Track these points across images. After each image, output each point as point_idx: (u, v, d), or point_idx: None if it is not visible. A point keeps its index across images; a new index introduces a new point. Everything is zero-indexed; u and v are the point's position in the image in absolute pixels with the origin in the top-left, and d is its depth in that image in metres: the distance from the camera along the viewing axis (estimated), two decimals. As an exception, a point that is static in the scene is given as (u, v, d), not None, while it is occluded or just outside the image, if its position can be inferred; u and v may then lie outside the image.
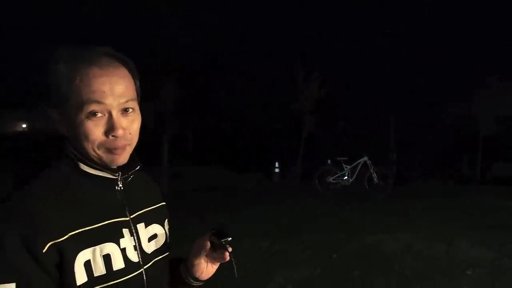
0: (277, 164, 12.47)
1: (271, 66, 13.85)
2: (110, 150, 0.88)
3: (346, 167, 10.30)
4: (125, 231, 0.91)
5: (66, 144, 0.89)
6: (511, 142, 15.09)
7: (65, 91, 0.84)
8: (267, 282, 4.04)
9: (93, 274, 0.83)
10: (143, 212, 0.98)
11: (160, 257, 1.00)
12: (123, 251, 0.89)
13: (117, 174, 0.92)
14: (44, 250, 0.78)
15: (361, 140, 15.76)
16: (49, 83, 0.86)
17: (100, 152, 0.87)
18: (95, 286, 0.84)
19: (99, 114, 0.85)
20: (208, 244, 0.99)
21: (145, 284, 0.92)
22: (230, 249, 0.97)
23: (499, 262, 4.58)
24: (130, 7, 8.90)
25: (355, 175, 10.23)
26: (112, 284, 0.86)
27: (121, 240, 0.90)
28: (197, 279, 1.04)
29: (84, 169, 0.89)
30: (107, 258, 0.86)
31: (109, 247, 0.87)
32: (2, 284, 0.75)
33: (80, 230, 0.83)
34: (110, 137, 0.86)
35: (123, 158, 0.90)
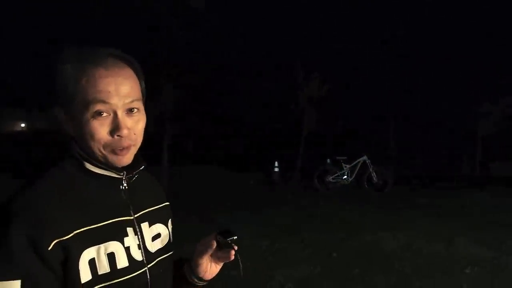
0: (276, 164, 12.47)
1: (271, 65, 13.85)
2: (115, 151, 0.89)
3: (345, 167, 10.33)
4: (129, 230, 0.92)
5: (72, 143, 0.90)
6: (509, 142, 15.12)
7: (72, 91, 0.86)
8: (268, 281, 4.06)
9: (97, 272, 0.84)
10: (147, 212, 1.00)
11: (164, 256, 1.01)
12: (127, 249, 0.90)
13: (122, 174, 0.93)
14: (49, 248, 0.79)
15: (360, 140, 15.78)
16: (56, 83, 0.88)
17: (105, 152, 0.89)
18: (99, 284, 0.85)
19: (105, 114, 0.86)
20: (214, 243, 1.01)
21: (149, 282, 0.93)
22: (235, 248, 0.99)
23: (498, 260, 4.61)
24: (130, 7, 8.89)
25: (354, 175, 10.27)
26: (116, 282, 0.87)
27: (125, 239, 0.91)
28: (201, 279, 1.06)
29: (89, 168, 0.90)
30: (111, 257, 0.87)
31: (114, 246, 0.88)
32: (7, 281, 0.76)
33: (85, 229, 0.84)
34: (115, 136, 0.87)
35: (127, 158, 0.92)
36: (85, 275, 0.83)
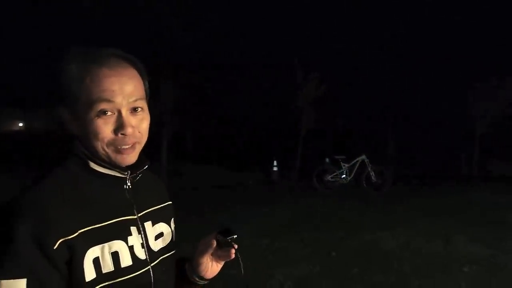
0: (275, 163, 12.48)
1: (271, 65, 13.85)
2: (119, 150, 0.89)
3: (344, 166, 10.34)
4: (133, 229, 0.93)
5: (76, 143, 0.91)
6: (506, 141, 15.18)
7: (76, 91, 0.87)
8: (267, 280, 4.06)
9: (101, 271, 0.85)
10: (150, 211, 1.00)
11: (167, 255, 1.02)
12: (131, 248, 0.91)
13: (126, 173, 0.94)
14: (55, 247, 0.79)
15: (360, 140, 15.79)
16: (61, 83, 0.88)
17: (109, 151, 0.89)
18: (104, 283, 0.85)
19: (109, 113, 0.87)
20: (214, 242, 1.02)
21: (152, 281, 0.94)
22: (236, 246, 1.00)
23: (496, 259, 4.63)
24: (131, 7, 8.89)
25: (353, 174, 10.28)
26: (120, 281, 0.87)
27: (129, 238, 0.91)
28: (202, 278, 1.07)
29: (93, 168, 0.91)
30: (115, 255, 0.87)
31: (118, 245, 0.88)
32: (13, 280, 0.76)
33: (89, 228, 0.85)
34: (119, 135, 0.88)
35: (132, 157, 0.92)
36: (90, 274, 0.83)
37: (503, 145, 15.25)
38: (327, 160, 10.87)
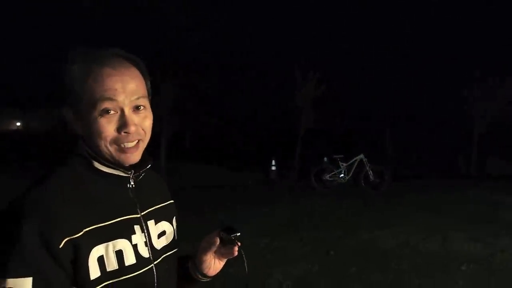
0: (273, 162, 12.48)
1: (271, 65, 13.88)
2: (123, 149, 0.91)
3: (342, 165, 10.36)
4: (137, 228, 0.94)
5: (80, 143, 0.92)
6: (505, 140, 15.22)
7: (79, 91, 0.88)
8: (266, 279, 4.08)
9: (106, 269, 0.86)
10: (153, 209, 1.02)
11: (169, 253, 1.03)
12: (135, 247, 0.92)
13: (130, 172, 0.95)
14: (60, 246, 0.80)
15: (361, 140, 15.82)
16: (64, 84, 0.90)
17: (112, 150, 0.90)
18: (108, 281, 0.86)
19: (112, 112, 0.88)
20: (217, 240, 1.03)
21: (155, 278, 0.95)
22: (239, 244, 1.01)
23: (494, 257, 4.65)
24: (137, 7, 8.88)
25: (351, 173, 10.30)
26: (124, 279, 0.88)
27: (133, 237, 0.92)
28: (205, 275, 1.08)
29: (97, 167, 0.92)
30: (119, 254, 0.89)
31: (122, 243, 0.90)
32: (19, 278, 0.77)
33: (94, 227, 0.86)
34: (123, 133, 0.89)
35: (136, 156, 0.93)
36: (94, 272, 0.85)
37: (502, 144, 15.29)
38: (325, 159, 10.89)
